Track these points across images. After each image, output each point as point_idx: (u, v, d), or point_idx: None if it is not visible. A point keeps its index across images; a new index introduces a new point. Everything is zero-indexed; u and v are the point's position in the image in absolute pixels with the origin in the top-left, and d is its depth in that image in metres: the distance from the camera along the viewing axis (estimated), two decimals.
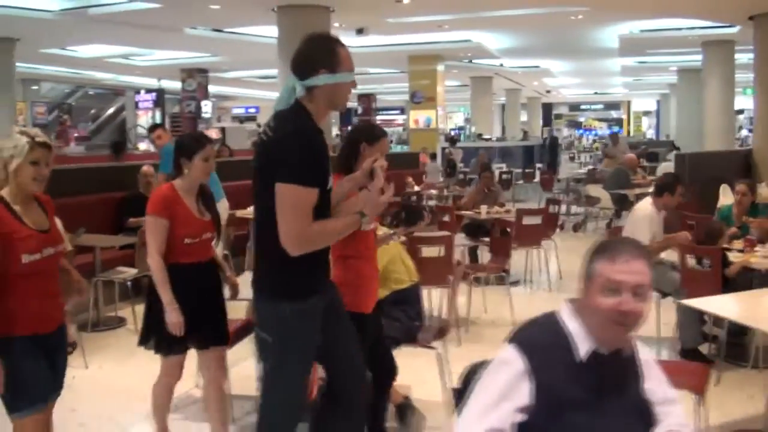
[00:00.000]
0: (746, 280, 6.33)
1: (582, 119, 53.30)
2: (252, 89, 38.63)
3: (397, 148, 29.26)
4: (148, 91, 30.69)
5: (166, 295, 4.22)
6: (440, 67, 25.29)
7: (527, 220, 9.45)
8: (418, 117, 25.40)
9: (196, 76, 27.88)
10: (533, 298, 9.42)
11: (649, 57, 26.82)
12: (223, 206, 8.32)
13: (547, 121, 50.62)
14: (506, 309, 8.07)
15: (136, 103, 31.01)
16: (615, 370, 2.45)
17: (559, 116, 53.11)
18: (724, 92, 20.23)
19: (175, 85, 28.97)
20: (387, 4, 16.01)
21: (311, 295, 3.37)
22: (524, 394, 2.35)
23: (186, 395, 5.65)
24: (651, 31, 20.76)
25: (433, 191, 13.72)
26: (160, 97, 30.15)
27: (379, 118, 40.02)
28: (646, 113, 51.88)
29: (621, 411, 2.42)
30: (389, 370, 4.59)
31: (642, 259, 2.41)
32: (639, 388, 2.50)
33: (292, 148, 3.14)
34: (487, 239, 9.68)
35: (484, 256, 10.01)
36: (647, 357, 2.58)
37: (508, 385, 2.36)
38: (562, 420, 2.34)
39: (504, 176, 18.38)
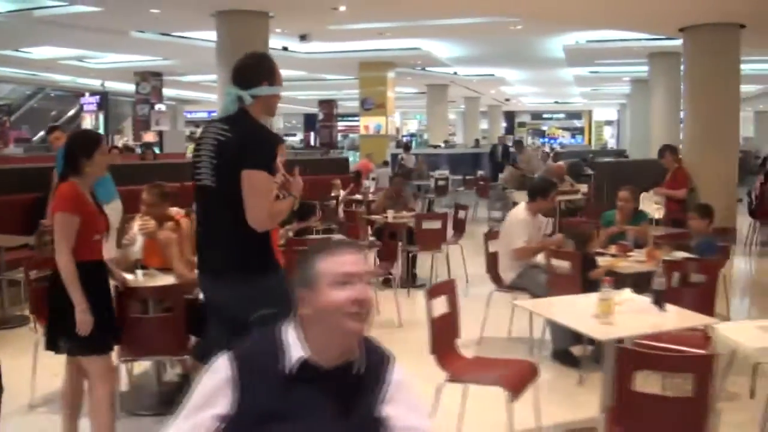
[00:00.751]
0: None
1: (545, 128, 53.68)
2: (212, 93, 38.51)
3: (349, 155, 29.31)
4: (93, 93, 30.58)
5: (77, 293, 4.21)
6: (391, 74, 25.55)
7: (426, 225, 9.57)
8: (369, 123, 25.54)
9: (150, 80, 27.93)
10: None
11: (600, 67, 27.07)
12: (116, 207, 8.38)
13: (510, 130, 51.02)
14: (392, 311, 8.21)
15: (81, 106, 30.93)
16: (336, 386, 2.32)
17: (522, 124, 53.49)
18: (670, 103, 20.40)
19: (129, 88, 29.00)
20: (324, 11, 16.00)
21: (279, 269, 3.92)
22: (225, 402, 2.29)
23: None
24: (597, 42, 21.00)
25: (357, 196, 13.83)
26: (104, 100, 30.01)
27: (341, 124, 40.16)
28: (608, 123, 52.32)
29: (339, 430, 2.31)
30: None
31: (359, 251, 2.43)
32: (371, 410, 2.35)
33: (259, 141, 3.73)
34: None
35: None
36: (401, 379, 2.43)
37: (211, 392, 2.31)
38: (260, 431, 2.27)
39: (440, 183, 18.48)
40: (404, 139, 31.53)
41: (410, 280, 10.09)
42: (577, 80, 31.83)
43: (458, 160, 23.62)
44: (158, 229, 5.78)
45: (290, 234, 7.71)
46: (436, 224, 9.68)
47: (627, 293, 4.94)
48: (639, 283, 5.84)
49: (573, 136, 53.05)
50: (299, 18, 17.09)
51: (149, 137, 25.84)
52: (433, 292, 4.73)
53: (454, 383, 4.62)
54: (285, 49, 22.46)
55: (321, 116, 36.80)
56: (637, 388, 3.54)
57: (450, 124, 48.62)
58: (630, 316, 4.55)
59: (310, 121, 46.62)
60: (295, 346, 2.32)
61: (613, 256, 6.91)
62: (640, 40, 19.79)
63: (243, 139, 3.71)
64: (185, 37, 20.38)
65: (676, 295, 5.78)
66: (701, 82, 14.58)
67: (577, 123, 53.73)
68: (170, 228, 5.83)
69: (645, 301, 4.79)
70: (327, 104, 36.78)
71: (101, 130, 29.07)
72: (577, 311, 4.65)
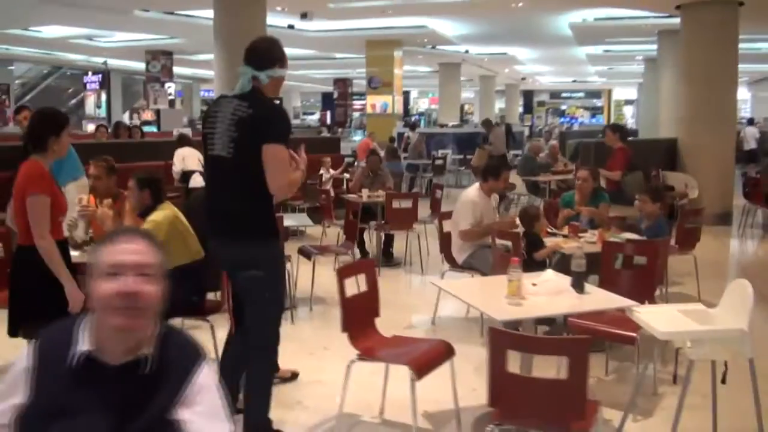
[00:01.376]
0: (564, 263, 6.41)
1: (564, 107, 53.14)
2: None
3: (357, 134, 29.23)
4: (95, 72, 30.51)
5: (64, 273, 4.31)
6: (398, 53, 25.36)
7: (396, 204, 9.49)
8: (375, 102, 25.42)
9: (160, 58, 27.91)
10: (398, 279, 9.69)
11: (611, 46, 26.73)
12: (84, 183, 8.36)
13: (528, 109, 50.64)
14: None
15: (84, 84, 30.92)
16: (123, 385, 2.18)
17: (542, 103, 52.96)
18: (677, 82, 20.05)
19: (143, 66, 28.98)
20: None
21: (279, 234, 4.43)
22: (21, 392, 2.17)
23: None
24: (604, 20, 20.71)
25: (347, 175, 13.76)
26: (106, 78, 29.95)
27: (358, 102, 40.01)
28: (629, 102, 51.67)
29: (124, 429, 2.14)
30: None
31: (143, 239, 2.25)
32: (164, 412, 2.18)
33: (279, 118, 4.13)
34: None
35: (373, 237, 10.27)
36: (207, 382, 2.27)
37: (12, 380, 2.21)
38: (47, 427, 2.13)
39: (437, 162, 18.34)
40: (412, 119, 31.15)
41: (385, 259, 10.05)
42: (591, 59, 31.49)
43: (466, 140, 23.35)
44: (99, 208, 5.74)
45: None
46: (407, 203, 9.59)
47: (548, 274, 4.84)
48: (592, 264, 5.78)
49: (593, 116, 52.34)
50: None
51: (147, 116, 25.83)
52: (344, 272, 4.67)
53: (365, 361, 4.60)
54: (291, 27, 22.37)
55: (336, 95, 36.55)
56: (510, 369, 3.47)
57: (469, 103, 48.56)
58: (544, 297, 4.44)
59: (327, 100, 46.38)
60: (83, 340, 2.19)
61: (564, 236, 6.82)
62: (648, 17, 19.49)
63: (264, 116, 4.07)
64: (189, 16, 20.32)
65: (615, 278, 5.69)
66: (698, 61, 14.35)
67: (597, 102, 53.01)
68: (107, 205, 5.80)
69: (565, 282, 4.68)
70: (342, 83, 36.49)
71: (103, 109, 29.05)
72: (495, 292, 4.56)
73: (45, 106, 5.01)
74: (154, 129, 23.96)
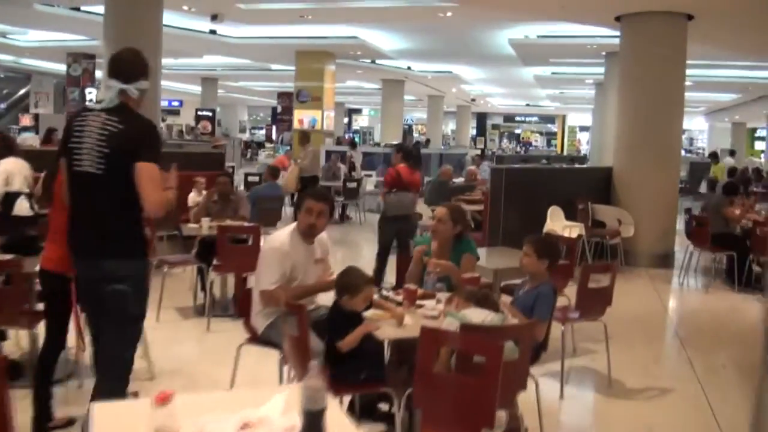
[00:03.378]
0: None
1: (519, 131, 51.66)
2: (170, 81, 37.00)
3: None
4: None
5: None
6: (330, 66, 23.75)
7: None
8: (303, 117, 23.66)
9: (82, 61, 25.93)
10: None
11: (560, 67, 25.18)
12: None
13: (481, 131, 49.16)
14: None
15: None
16: None
17: (496, 126, 51.51)
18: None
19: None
20: None
21: (146, 254, 4.25)
22: None
23: None
24: (547, 38, 19.08)
25: None
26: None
27: None
28: (585, 128, 50.14)
29: None
30: None
31: None
32: None
33: (153, 136, 4.07)
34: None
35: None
36: None
37: None
38: None
39: (349, 185, 16.43)
40: (347, 136, 29.34)
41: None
42: (540, 81, 29.90)
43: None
44: None
45: None
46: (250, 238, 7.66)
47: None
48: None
49: (549, 142, 50.90)
50: None
51: (25, 121, 23.94)
52: None
53: None
54: (213, 32, 20.86)
55: (280, 109, 34.69)
56: None
57: (422, 123, 47.02)
58: None
59: (276, 115, 44.63)
60: None
61: (399, 304, 4.89)
62: (594, 37, 17.91)
63: (137, 133, 3.96)
64: (95, 14, 18.42)
65: (437, 390, 3.87)
66: (639, 80, 12.63)
67: (552, 128, 51.55)
68: None
69: None
70: (286, 96, 34.56)
71: None
72: None
73: None
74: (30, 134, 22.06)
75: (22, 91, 37.46)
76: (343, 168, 17.82)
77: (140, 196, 3.91)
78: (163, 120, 41.79)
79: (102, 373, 4.27)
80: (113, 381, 4.14)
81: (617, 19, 12.95)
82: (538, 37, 19.25)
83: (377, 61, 26.25)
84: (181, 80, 36.75)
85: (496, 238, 10.58)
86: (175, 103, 45.63)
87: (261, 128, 52.27)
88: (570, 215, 11.54)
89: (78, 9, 18.61)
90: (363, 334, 4.31)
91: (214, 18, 17.73)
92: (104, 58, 14.67)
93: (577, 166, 17.13)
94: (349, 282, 4.51)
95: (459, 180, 14.72)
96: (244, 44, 22.48)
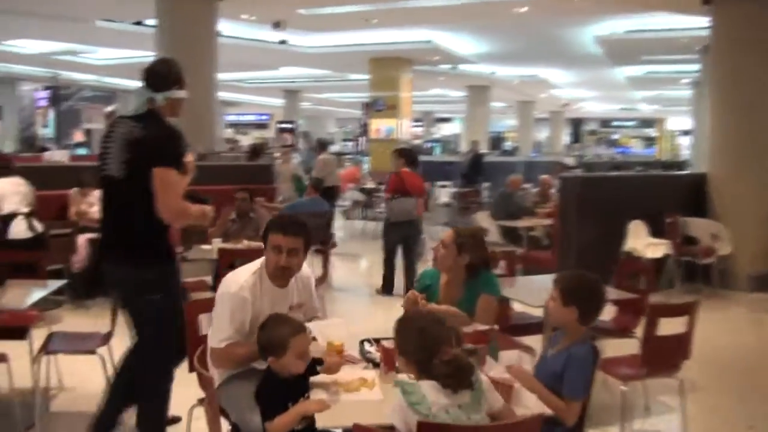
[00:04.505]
0: None
1: (616, 136, 49.46)
2: (245, 93, 36.58)
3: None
4: (47, 87, 28.00)
5: None
6: (406, 73, 22.68)
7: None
8: (380, 126, 22.59)
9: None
10: None
11: (653, 66, 23.48)
12: None
13: (576, 137, 47.31)
14: None
15: (35, 101, 28.54)
16: None
17: (592, 132, 49.44)
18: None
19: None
20: None
21: (175, 257, 4.40)
22: None
23: None
24: (635, 32, 17.54)
25: None
26: (55, 95, 27.45)
27: None
28: (687, 132, 47.58)
29: None
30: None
31: None
32: None
33: (171, 141, 4.12)
34: None
35: None
36: None
37: None
38: None
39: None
40: (425, 146, 27.96)
41: None
42: (633, 82, 28.21)
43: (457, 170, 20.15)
44: None
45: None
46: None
47: None
48: None
49: (649, 146, 48.45)
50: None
51: (78, 137, 23.52)
52: None
53: None
54: (283, 42, 20.05)
55: (364, 121, 33.81)
56: None
57: (512, 131, 45.46)
58: None
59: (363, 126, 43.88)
60: None
61: (376, 366, 3.64)
62: (686, 29, 16.33)
63: (156, 138, 4.04)
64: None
65: None
66: (732, 71, 10.96)
67: (651, 132, 49.09)
68: None
69: None
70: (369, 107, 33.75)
71: (50, 129, 26.56)
72: None
73: None
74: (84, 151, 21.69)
75: (108, 109, 37.78)
76: None
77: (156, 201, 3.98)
78: (243, 134, 41.65)
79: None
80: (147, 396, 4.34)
81: (706, 2, 11.41)
82: (625, 32, 17.72)
83: (459, 67, 24.94)
84: (265, 93, 36.34)
85: (567, 260, 9.19)
86: (264, 117, 45.41)
87: (351, 140, 51.45)
88: (656, 231, 9.96)
89: (140, 23, 18.03)
90: (300, 416, 3.07)
91: (276, 26, 16.93)
92: None
93: (665, 173, 15.40)
94: (270, 337, 3.27)
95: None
96: (315, 53, 21.75)
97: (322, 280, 7.89)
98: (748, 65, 10.71)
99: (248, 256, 6.71)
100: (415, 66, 22.82)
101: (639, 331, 5.29)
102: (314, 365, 3.35)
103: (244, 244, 7.18)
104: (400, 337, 3.03)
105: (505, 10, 15.09)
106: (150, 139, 4.02)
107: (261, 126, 44.69)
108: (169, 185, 3.98)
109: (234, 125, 46.14)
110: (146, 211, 3.99)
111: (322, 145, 15.41)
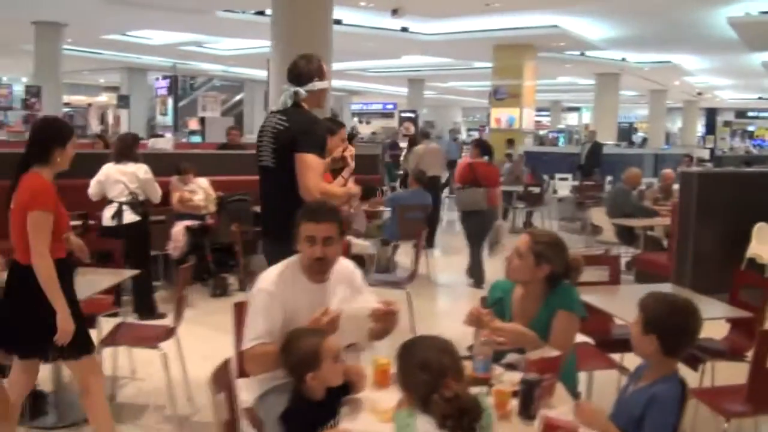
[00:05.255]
0: None
1: (752, 128, 47.13)
2: (366, 82, 36.59)
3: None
4: (166, 76, 28.22)
5: (59, 299, 4.01)
6: (530, 61, 21.94)
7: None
8: (500, 116, 21.96)
9: None
10: None
11: None
12: None
13: (711, 129, 45.35)
14: None
15: (156, 90, 28.93)
16: None
17: (727, 123, 47.17)
18: None
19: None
20: None
21: None
22: None
23: None
24: None
25: None
26: (174, 84, 27.70)
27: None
28: None
29: None
30: None
31: None
32: None
33: (309, 129, 4.40)
34: None
35: None
36: None
37: None
38: None
39: (532, 189, 14.56)
40: (550, 135, 27.13)
41: None
42: None
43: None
44: None
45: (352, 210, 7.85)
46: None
47: None
48: None
49: None
50: None
51: (193, 124, 23.65)
52: None
53: None
54: (405, 30, 19.84)
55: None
56: None
57: (643, 121, 43.99)
58: None
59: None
60: None
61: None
62: None
63: (296, 128, 4.38)
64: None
65: None
66: None
67: None
68: None
69: None
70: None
71: (170, 116, 26.92)
72: None
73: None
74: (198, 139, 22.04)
75: (236, 98, 38.57)
76: (526, 171, 15.99)
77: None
78: (367, 123, 41.65)
79: None
80: None
81: None
82: (760, 13, 16.58)
83: (587, 53, 24.14)
84: (390, 83, 36.24)
85: (683, 265, 8.44)
86: (390, 106, 45.36)
87: (477, 130, 50.82)
88: None
89: (263, 13, 18.03)
90: None
91: (394, 12, 16.62)
92: (275, 60, 13.87)
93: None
94: (298, 354, 2.95)
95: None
96: (437, 41, 21.45)
97: (411, 277, 7.53)
98: None
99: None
100: (540, 53, 22.08)
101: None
102: (346, 387, 3.02)
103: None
104: (400, 367, 2.68)
105: None
106: (292, 130, 4.37)
107: (386, 115, 44.69)
108: (307, 168, 4.27)
109: (359, 114, 46.28)
110: (295, 196, 4.26)
111: (424, 135, 14.97)
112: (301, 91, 4.48)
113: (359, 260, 6.71)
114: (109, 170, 7.77)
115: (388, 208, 10.01)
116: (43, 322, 3.97)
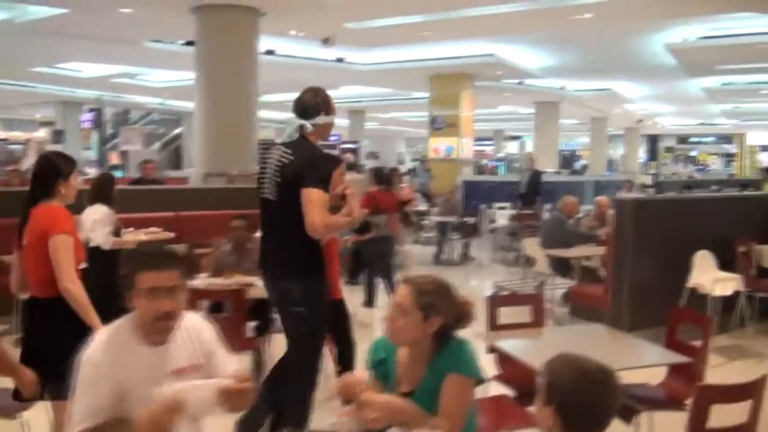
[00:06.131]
0: None
1: (695, 153, 47.46)
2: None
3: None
4: (91, 109, 27.36)
5: (95, 318, 4.06)
6: (466, 90, 21.78)
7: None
8: (439, 146, 21.69)
9: None
10: None
11: (730, 76, 22.09)
12: None
13: (653, 155, 45.63)
14: None
15: (80, 123, 28.14)
16: None
17: (669, 149, 47.58)
18: None
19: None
20: (314, 5, 13.44)
21: (323, 274, 4.53)
22: None
23: None
24: (711, 39, 16.30)
25: None
26: (98, 117, 26.93)
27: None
28: (766, 148, 45.26)
29: None
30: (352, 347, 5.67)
31: None
32: None
33: (315, 164, 4.35)
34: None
35: None
36: None
37: None
38: None
39: (467, 219, 14.15)
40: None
41: None
42: (710, 95, 26.61)
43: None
44: None
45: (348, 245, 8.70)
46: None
47: None
48: None
49: (729, 163, 46.23)
50: (290, 14, 14.06)
51: (114, 159, 23.05)
52: None
53: None
54: (340, 60, 19.53)
55: None
56: None
57: (585, 149, 44.10)
58: None
59: None
60: None
61: None
62: (765, 34, 15.23)
63: (302, 162, 4.35)
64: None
65: None
66: None
67: (731, 148, 46.76)
68: None
69: None
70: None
71: (94, 150, 26.19)
72: None
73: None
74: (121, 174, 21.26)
75: (175, 132, 37.98)
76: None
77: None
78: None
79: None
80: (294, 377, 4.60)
81: None
82: (698, 39, 16.51)
83: (525, 82, 24.00)
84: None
85: (621, 297, 7.94)
86: (332, 138, 44.90)
87: (419, 160, 50.70)
88: (726, 262, 8.41)
89: (192, 43, 17.55)
90: None
91: (325, 41, 16.27)
92: (200, 92, 13.39)
93: (737, 194, 13.99)
94: None
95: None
96: (374, 71, 21.19)
97: None
98: None
99: (217, 297, 5.95)
100: (477, 81, 21.86)
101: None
102: None
103: (235, 280, 6.27)
104: None
105: (567, 17, 14.05)
106: (298, 163, 4.35)
107: (329, 147, 44.19)
108: (311, 203, 4.23)
109: None
110: (297, 229, 4.26)
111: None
112: (308, 124, 4.48)
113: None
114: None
115: None
116: (53, 355, 3.87)
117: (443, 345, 3.11)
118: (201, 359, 2.96)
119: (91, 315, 4.07)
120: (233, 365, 2.95)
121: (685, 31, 16.12)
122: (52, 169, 4.34)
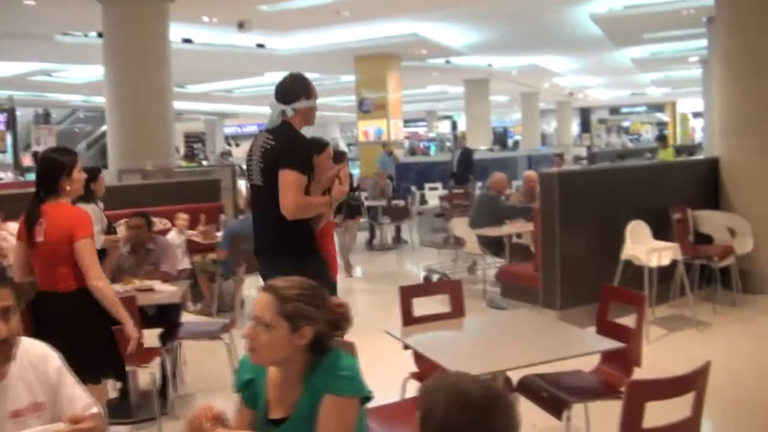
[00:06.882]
0: None
1: (627, 123, 47.66)
2: (243, 104, 35.61)
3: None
4: (2, 111, 26.27)
5: (123, 312, 4.33)
6: (393, 70, 21.32)
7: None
8: (368, 129, 21.25)
9: None
10: None
11: (657, 45, 22.00)
12: None
13: (586, 127, 45.70)
14: None
15: None
16: None
17: (602, 121, 47.69)
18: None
19: None
20: None
21: (316, 252, 4.60)
22: None
23: None
24: (635, 7, 16.18)
25: None
26: (11, 117, 25.91)
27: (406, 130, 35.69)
28: (698, 114, 45.54)
29: None
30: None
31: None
32: None
33: (293, 146, 4.41)
34: None
35: None
36: None
37: None
38: None
39: (395, 203, 13.76)
40: (422, 144, 26.47)
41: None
42: (639, 64, 26.52)
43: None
44: None
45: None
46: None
47: None
48: None
49: (661, 132, 46.44)
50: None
51: (27, 161, 22.26)
52: None
53: None
54: (260, 46, 18.96)
55: None
56: None
57: (519, 125, 44.00)
58: None
59: None
60: None
61: None
62: None
63: (281, 145, 4.40)
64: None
65: None
66: (743, 41, 9.43)
67: (663, 117, 47.07)
68: None
69: None
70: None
71: (9, 153, 25.29)
72: None
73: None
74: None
75: (102, 129, 36.97)
76: (391, 184, 15.16)
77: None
78: (237, 145, 40.61)
79: None
80: None
81: None
82: (624, 8, 16.34)
83: (452, 60, 23.66)
84: (261, 102, 35.22)
85: (552, 275, 7.63)
86: (253, 128, 44.03)
87: (354, 144, 50.25)
88: (661, 231, 8.12)
89: (100, 35, 16.89)
90: None
91: (241, 26, 15.65)
92: (109, 85, 12.78)
93: (669, 160, 13.82)
94: None
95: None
96: (297, 56, 20.49)
97: (232, 324, 6.28)
98: (757, 33, 9.21)
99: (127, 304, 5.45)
100: (404, 62, 21.44)
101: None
102: None
103: (136, 284, 5.75)
104: None
105: None
106: (278, 148, 4.39)
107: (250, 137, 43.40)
108: (286, 185, 4.29)
109: (233, 137, 45.00)
110: (280, 212, 4.32)
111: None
112: (288, 109, 4.50)
113: None
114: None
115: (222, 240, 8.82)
116: (104, 344, 4.31)
117: (318, 360, 2.62)
118: (43, 396, 2.44)
119: (120, 310, 4.32)
120: (84, 400, 2.48)
121: (611, 1, 15.89)
122: (54, 167, 4.33)
